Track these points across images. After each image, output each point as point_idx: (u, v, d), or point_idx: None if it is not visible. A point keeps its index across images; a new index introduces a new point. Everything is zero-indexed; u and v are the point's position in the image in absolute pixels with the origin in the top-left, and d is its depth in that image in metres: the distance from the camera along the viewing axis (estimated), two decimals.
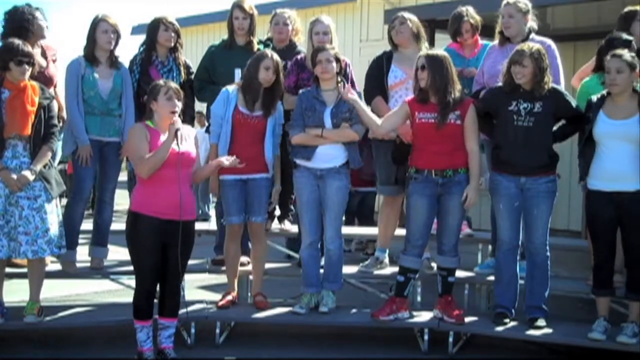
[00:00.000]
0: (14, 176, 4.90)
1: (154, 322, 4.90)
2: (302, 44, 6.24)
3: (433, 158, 5.15)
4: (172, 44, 5.83)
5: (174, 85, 4.83)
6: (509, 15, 5.58)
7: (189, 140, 4.85)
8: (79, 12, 47.48)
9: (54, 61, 5.80)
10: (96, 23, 5.58)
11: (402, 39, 5.70)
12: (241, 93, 5.37)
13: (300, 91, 5.49)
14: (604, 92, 5.01)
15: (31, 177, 4.94)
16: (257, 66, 5.32)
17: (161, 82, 4.86)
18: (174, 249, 4.69)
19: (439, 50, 5.38)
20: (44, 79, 5.45)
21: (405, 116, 5.24)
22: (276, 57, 5.39)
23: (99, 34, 5.55)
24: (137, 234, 4.67)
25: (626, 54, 4.86)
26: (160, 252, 4.69)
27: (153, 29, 5.84)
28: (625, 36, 5.38)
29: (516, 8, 5.57)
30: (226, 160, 4.99)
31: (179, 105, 4.74)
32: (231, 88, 5.41)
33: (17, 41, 5.01)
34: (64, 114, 5.62)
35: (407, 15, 5.73)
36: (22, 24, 5.38)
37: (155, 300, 4.94)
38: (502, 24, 5.62)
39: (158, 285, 4.84)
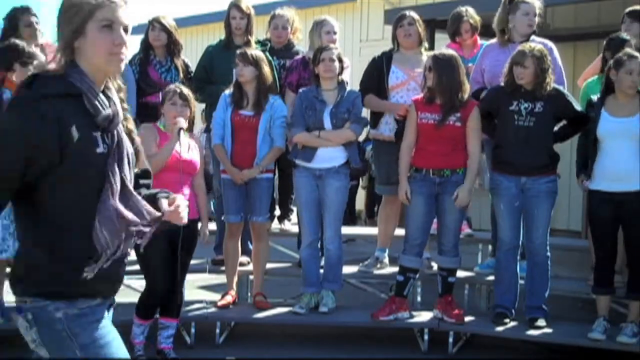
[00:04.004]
0: None
1: (154, 322, 4.92)
2: (300, 43, 6.24)
3: (431, 158, 5.14)
4: (162, 43, 5.84)
5: (184, 90, 4.85)
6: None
7: (195, 150, 4.91)
8: None
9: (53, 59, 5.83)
10: None
11: (410, 42, 5.64)
12: (233, 94, 5.37)
13: (300, 90, 5.48)
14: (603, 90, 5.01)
15: None
16: (235, 66, 5.33)
17: (172, 87, 4.92)
18: (180, 250, 4.71)
19: (449, 50, 5.33)
20: None
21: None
22: (255, 53, 5.35)
23: None
24: None
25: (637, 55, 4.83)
26: (168, 252, 4.68)
27: (146, 29, 5.90)
28: (622, 36, 5.38)
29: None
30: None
31: (185, 110, 4.79)
32: (228, 91, 5.41)
33: (21, 42, 5.04)
34: None
35: (415, 16, 5.65)
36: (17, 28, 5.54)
37: None
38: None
39: None
